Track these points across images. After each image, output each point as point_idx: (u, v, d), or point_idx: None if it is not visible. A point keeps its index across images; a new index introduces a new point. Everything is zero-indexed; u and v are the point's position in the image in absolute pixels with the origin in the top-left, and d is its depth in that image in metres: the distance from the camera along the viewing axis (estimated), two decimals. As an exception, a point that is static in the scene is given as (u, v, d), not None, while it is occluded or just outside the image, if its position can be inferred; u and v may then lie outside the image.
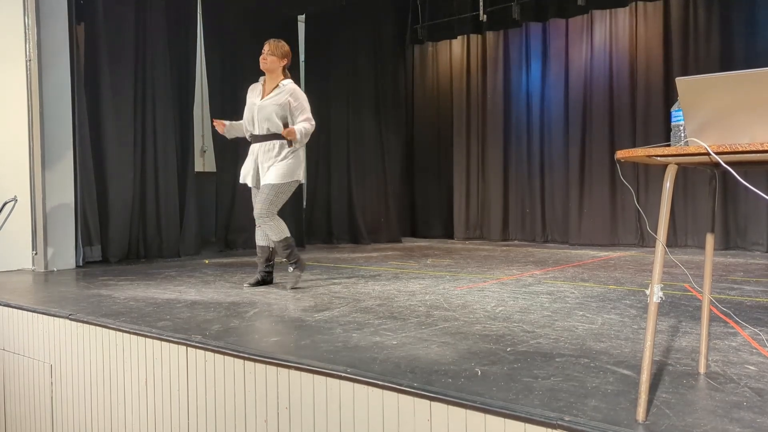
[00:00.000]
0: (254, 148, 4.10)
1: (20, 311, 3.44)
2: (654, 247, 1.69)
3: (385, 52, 8.60)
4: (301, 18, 7.99)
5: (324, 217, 8.10)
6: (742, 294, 3.71)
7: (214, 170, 7.16)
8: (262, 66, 4.08)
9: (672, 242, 6.86)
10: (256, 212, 4.07)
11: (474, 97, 8.63)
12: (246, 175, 4.15)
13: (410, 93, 9.40)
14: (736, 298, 3.55)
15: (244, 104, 4.17)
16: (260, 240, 4.22)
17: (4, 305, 3.56)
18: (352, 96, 8.02)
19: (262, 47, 4.08)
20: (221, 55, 7.03)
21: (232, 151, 7.17)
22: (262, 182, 4.03)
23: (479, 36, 8.52)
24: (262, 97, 4.05)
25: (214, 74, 6.99)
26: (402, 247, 7.68)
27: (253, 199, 4.16)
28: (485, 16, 7.82)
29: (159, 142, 6.32)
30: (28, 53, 5.28)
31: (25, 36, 5.28)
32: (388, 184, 8.48)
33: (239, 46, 7.13)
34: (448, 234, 8.81)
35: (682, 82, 1.63)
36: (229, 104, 7.10)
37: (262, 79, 4.16)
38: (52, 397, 3.23)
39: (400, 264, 5.65)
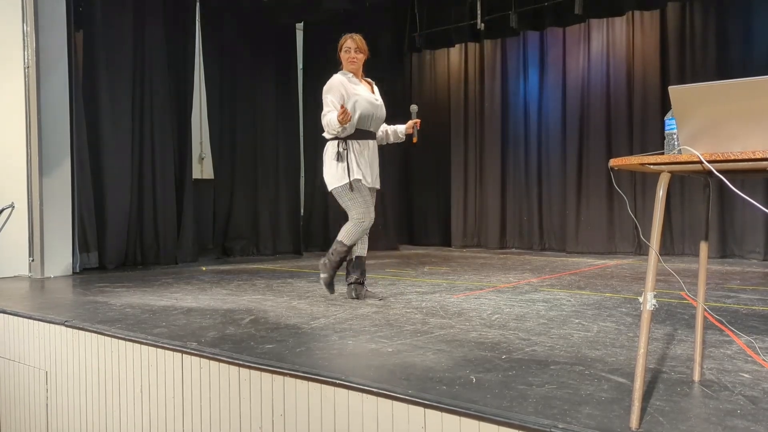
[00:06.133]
0: (365, 146, 3.75)
1: (16, 318, 3.43)
2: (649, 254, 1.69)
3: (383, 61, 8.62)
4: (299, 26, 8.03)
5: (321, 225, 8.10)
6: (738, 302, 3.72)
7: (212, 177, 7.17)
8: (352, 68, 3.79)
9: (669, 250, 6.87)
10: (372, 218, 3.73)
11: (472, 106, 8.66)
12: (368, 177, 3.73)
13: (408, 101, 9.40)
14: (732, 306, 3.55)
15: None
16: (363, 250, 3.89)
17: (0, 312, 3.56)
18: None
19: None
20: (219, 62, 7.05)
21: (230, 159, 7.20)
22: (378, 185, 3.84)
23: (477, 44, 8.56)
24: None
25: (212, 81, 7.01)
26: (399, 254, 7.68)
27: (368, 203, 3.71)
28: (483, 24, 7.85)
29: (157, 149, 6.33)
30: (26, 60, 5.30)
31: (24, 43, 5.30)
32: (385, 192, 8.47)
33: (237, 54, 7.16)
34: (446, 242, 8.81)
35: (675, 91, 1.65)
36: (227, 112, 7.14)
37: (350, 73, 3.81)
38: (47, 404, 3.22)
39: (397, 271, 5.65)
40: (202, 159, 7.62)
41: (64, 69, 5.42)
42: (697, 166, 1.61)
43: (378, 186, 3.86)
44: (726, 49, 6.62)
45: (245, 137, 7.28)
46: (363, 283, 3.90)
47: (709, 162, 1.56)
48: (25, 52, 5.30)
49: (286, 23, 7.64)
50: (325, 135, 3.83)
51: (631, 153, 6.89)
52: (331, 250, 3.74)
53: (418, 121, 3.93)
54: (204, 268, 5.97)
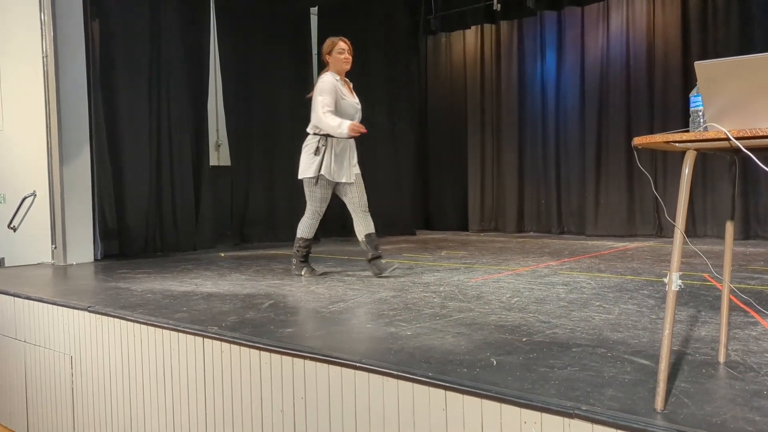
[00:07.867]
0: (346, 144, 4.16)
1: (41, 304, 3.49)
2: (672, 237, 1.66)
3: (398, 44, 8.56)
4: (314, 10, 7.98)
5: (338, 210, 8.08)
6: (763, 283, 3.65)
7: (229, 164, 7.19)
8: (347, 68, 4.15)
9: (690, 232, 6.78)
10: (364, 204, 4.23)
11: (488, 88, 8.57)
12: (340, 173, 4.17)
13: (424, 84, 9.35)
14: (756, 288, 3.49)
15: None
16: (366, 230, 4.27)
17: (26, 298, 3.62)
18: (365, 88, 7.92)
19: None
20: (235, 48, 7.04)
21: (247, 145, 7.22)
22: (353, 177, 4.21)
23: (493, 26, 8.45)
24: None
25: (227, 68, 7.00)
26: (416, 239, 7.66)
27: (343, 194, 4.26)
28: (499, 5, 7.74)
29: (174, 137, 6.36)
30: (44, 49, 5.34)
31: (42, 32, 5.33)
32: (401, 177, 8.46)
33: (253, 40, 7.13)
34: (463, 226, 8.77)
35: (701, 66, 1.60)
36: (243, 98, 7.14)
37: (337, 75, 4.15)
38: (72, 388, 3.28)
39: (415, 256, 5.65)
40: (219, 146, 7.64)
41: (82, 58, 5.45)
42: (724, 144, 1.57)
43: (352, 179, 4.21)
44: (749, 24, 6.45)
45: (261, 123, 7.27)
46: (381, 256, 4.23)
47: (736, 139, 1.52)
48: (43, 42, 5.33)
49: (300, 8, 7.59)
50: (309, 130, 4.17)
51: (651, 134, 6.77)
52: (294, 249, 4.28)
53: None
54: (223, 254, 6.01)
